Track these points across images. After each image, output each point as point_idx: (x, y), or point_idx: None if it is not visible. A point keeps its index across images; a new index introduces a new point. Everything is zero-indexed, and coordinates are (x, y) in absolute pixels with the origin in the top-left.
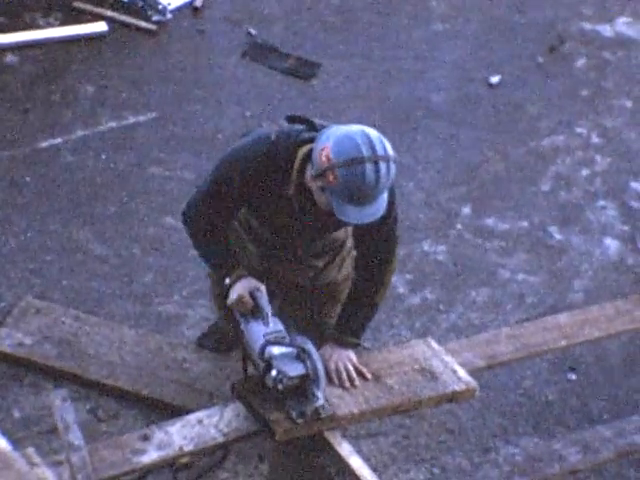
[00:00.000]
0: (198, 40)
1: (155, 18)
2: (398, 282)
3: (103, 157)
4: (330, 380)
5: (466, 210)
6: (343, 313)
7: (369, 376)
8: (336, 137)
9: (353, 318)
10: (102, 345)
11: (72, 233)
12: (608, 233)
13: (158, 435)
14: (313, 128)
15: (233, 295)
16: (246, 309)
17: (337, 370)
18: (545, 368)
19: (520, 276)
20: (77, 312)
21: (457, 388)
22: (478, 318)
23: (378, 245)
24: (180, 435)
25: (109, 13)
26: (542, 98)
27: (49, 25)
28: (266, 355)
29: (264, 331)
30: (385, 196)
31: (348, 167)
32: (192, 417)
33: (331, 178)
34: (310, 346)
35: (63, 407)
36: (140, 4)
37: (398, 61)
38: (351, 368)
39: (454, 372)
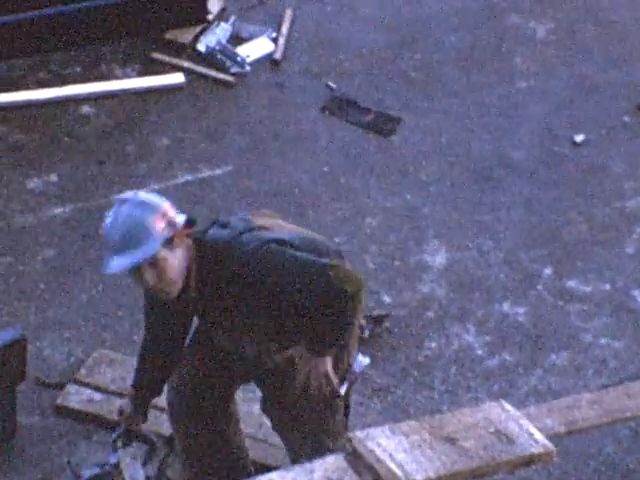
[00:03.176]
0: (276, 93)
1: (233, 70)
2: (476, 344)
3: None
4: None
5: (547, 271)
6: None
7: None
8: None
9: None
10: None
11: None
12: None
13: None
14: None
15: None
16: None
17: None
18: (627, 435)
19: (602, 340)
20: None
21: (535, 451)
22: (558, 382)
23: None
24: None
25: (187, 64)
26: (628, 158)
27: (126, 76)
28: None
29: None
30: (131, 256)
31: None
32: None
33: None
34: None
35: (132, 465)
36: (218, 56)
37: (480, 118)
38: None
39: (530, 435)
